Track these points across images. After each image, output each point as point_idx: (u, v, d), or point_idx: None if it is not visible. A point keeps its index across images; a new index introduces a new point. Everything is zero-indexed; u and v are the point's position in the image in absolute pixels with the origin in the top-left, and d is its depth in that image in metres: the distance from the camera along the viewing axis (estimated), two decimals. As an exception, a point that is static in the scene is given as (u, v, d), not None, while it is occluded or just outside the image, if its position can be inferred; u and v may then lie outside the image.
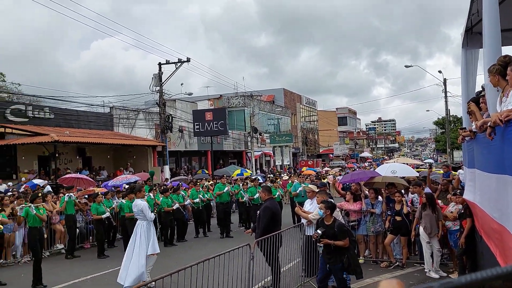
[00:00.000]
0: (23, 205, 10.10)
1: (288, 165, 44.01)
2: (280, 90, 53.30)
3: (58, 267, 10.50)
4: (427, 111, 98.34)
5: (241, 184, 15.95)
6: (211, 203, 16.05)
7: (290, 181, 16.66)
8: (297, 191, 14.62)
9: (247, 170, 23.22)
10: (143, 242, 8.17)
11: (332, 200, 8.11)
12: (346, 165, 48.67)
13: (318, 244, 6.87)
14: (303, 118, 57.69)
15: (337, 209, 8.02)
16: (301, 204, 9.73)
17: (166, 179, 23.66)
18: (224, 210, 14.48)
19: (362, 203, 9.80)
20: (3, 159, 21.50)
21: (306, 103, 59.69)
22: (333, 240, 6.46)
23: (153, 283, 5.96)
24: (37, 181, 16.99)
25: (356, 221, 9.75)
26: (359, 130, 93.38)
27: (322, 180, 17.03)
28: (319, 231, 6.64)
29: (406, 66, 36.42)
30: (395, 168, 11.79)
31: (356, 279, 6.81)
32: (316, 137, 62.31)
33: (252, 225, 14.92)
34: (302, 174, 17.31)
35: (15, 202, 11.66)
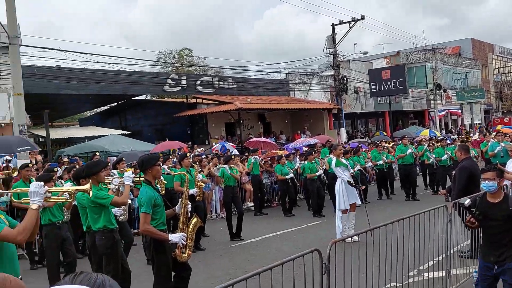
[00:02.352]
0: (219, 166, 11.13)
1: (479, 123, 39.69)
2: (467, 41, 47.79)
3: (249, 223, 11.32)
4: None
5: (426, 145, 14.92)
6: (393, 165, 15.40)
7: (485, 141, 14.94)
8: (495, 151, 13.05)
9: (434, 132, 21.58)
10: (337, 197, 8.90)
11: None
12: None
13: (467, 225, 4.69)
14: (497, 70, 50.98)
15: None
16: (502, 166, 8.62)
17: (344, 142, 23.56)
18: (408, 173, 13.76)
19: None
20: (197, 126, 24.12)
21: (499, 53, 52.50)
22: (507, 225, 4.26)
23: (356, 237, 6.02)
24: (228, 145, 18.51)
25: None
26: None
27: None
28: (465, 202, 4.51)
29: None
30: None
31: None
32: (512, 90, 54.67)
33: (440, 187, 13.99)
34: (500, 132, 15.34)
35: (210, 163, 12.91)
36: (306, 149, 16.29)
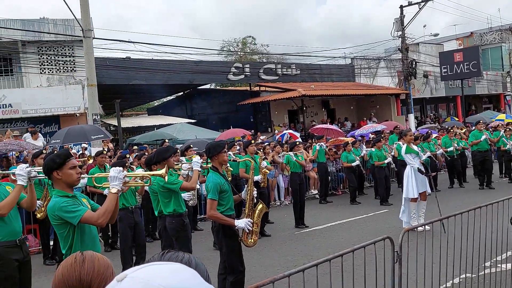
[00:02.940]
0: (284, 153, 11.12)
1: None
2: (548, 18, 44.24)
3: (314, 210, 11.26)
4: None
5: (502, 131, 14.02)
6: (466, 152, 14.65)
7: None
8: None
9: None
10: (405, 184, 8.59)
11: None
12: None
13: None
14: None
15: None
16: None
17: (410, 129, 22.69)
18: (483, 159, 12.99)
19: None
20: (260, 114, 24.24)
21: None
22: None
23: (428, 226, 5.78)
24: (287, 134, 18.44)
25: None
26: None
27: None
28: None
29: None
30: None
31: None
32: None
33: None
34: None
35: (273, 150, 12.93)
36: (373, 135, 15.88)
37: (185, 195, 7.04)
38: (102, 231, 8.79)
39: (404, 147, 8.75)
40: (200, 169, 5.43)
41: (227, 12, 74.35)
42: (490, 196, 10.18)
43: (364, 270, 3.69)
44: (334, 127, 18.03)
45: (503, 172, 14.30)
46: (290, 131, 19.07)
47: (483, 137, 13.10)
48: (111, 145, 14.35)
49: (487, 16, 62.37)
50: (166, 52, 20.52)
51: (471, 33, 36.74)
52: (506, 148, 13.50)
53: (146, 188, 6.81)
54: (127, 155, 10.45)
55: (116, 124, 15.95)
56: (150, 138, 16.64)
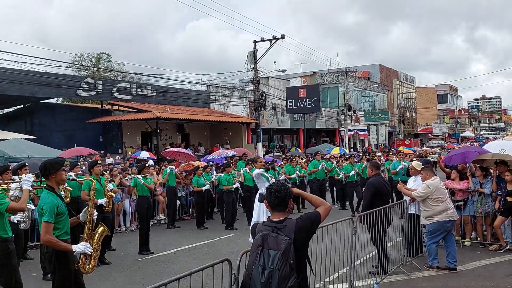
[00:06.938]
0: (132, 175, 10.74)
1: (383, 144, 42.52)
2: (376, 66, 51.33)
3: (161, 236, 11.06)
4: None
5: (335, 162, 15.64)
6: (304, 180, 15.95)
7: (388, 160, 16.00)
8: (397, 169, 13.99)
9: (344, 150, 22.84)
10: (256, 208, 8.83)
11: (437, 177, 7.58)
12: (445, 145, 45.81)
13: None
14: (400, 95, 55.13)
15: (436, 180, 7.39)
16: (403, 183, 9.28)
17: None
18: (319, 187, 14.33)
19: (469, 182, 9.12)
20: (111, 134, 23.20)
21: (403, 79, 56.89)
22: None
23: None
24: (144, 154, 18.02)
25: (462, 201, 9.10)
26: (460, 108, 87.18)
27: (426, 158, 16.15)
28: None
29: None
30: (505, 147, 10.70)
31: None
32: (414, 115, 59.35)
33: (347, 203, 14.70)
34: (402, 152, 16.54)
35: (121, 174, 12.44)
36: (226, 161, 16.32)
37: (15, 217, 6.35)
38: None
39: (259, 171, 9.20)
40: (30, 188, 4.91)
41: (84, 28, 70.60)
42: (327, 220, 11.19)
43: (201, 293, 3.72)
44: (186, 151, 18.09)
45: (335, 199, 15.86)
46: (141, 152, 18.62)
47: (321, 166, 14.53)
48: None
49: (327, 59, 70.00)
50: (5, 60, 18.46)
51: (314, 72, 40.70)
52: (339, 177, 15.05)
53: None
54: None
55: None
56: (-24, 154, 14.60)
